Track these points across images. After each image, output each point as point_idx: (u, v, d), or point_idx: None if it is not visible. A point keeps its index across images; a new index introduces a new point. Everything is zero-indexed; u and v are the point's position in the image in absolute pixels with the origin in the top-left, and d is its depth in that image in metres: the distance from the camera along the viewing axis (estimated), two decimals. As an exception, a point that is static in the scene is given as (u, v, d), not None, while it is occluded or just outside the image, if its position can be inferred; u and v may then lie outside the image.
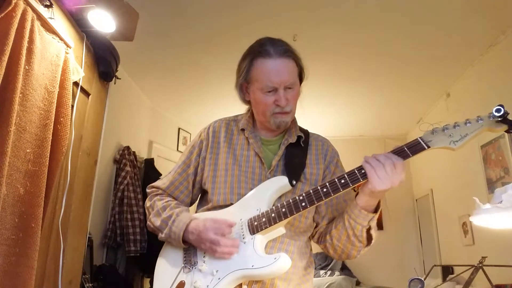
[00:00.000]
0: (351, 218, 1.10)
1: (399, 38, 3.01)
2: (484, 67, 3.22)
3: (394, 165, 1.00)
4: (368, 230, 1.11)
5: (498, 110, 0.95)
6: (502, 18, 2.74)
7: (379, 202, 1.10)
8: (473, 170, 3.34)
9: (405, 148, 1.03)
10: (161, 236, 1.21)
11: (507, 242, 2.65)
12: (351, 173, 1.05)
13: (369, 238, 1.14)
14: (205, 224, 1.12)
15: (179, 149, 4.68)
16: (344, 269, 4.51)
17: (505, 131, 0.98)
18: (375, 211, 1.09)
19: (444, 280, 3.56)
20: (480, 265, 1.87)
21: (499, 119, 0.96)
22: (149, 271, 3.47)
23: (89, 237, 2.44)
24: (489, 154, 3.11)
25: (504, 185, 1.57)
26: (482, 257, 1.92)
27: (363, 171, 1.02)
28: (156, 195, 1.32)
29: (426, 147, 1.01)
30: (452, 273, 3.65)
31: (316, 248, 1.31)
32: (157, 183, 1.34)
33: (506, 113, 0.95)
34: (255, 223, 1.11)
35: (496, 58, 3.05)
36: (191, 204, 1.34)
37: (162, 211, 1.23)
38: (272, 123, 1.22)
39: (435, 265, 2.48)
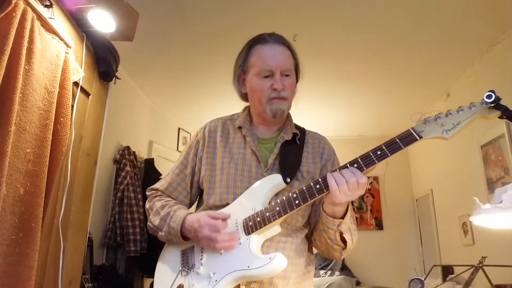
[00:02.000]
0: (323, 223, 1.12)
1: (399, 38, 3.01)
2: (484, 67, 3.22)
3: (358, 183, 1.01)
4: (341, 234, 1.12)
5: (489, 96, 0.95)
6: (502, 18, 2.74)
7: (347, 208, 1.10)
8: (473, 170, 3.34)
9: (397, 140, 1.02)
10: (161, 234, 1.21)
11: (507, 242, 2.65)
12: (343, 168, 1.05)
13: (344, 241, 1.14)
14: (200, 220, 1.12)
15: (179, 149, 4.68)
16: (344, 269, 4.50)
17: (499, 117, 0.96)
18: (343, 217, 1.10)
19: (444, 280, 3.56)
20: (480, 265, 1.87)
21: (492, 105, 0.95)
22: (149, 271, 3.47)
23: (89, 237, 2.44)
24: (489, 154, 3.11)
25: (504, 185, 1.57)
26: (482, 257, 1.91)
27: (355, 166, 1.03)
28: (155, 196, 1.32)
29: (418, 138, 1.00)
30: (452, 273, 3.65)
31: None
32: (156, 185, 1.35)
33: (498, 98, 0.94)
34: (250, 223, 1.11)
35: (496, 58, 3.05)
36: (190, 205, 1.34)
37: (161, 210, 1.23)
38: (269, 111, 1.22)
39: (435, 265, 2.48)
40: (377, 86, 3.85)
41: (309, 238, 1.27)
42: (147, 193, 1.36)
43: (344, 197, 1.01)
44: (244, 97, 1.33)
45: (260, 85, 1.21)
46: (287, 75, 1.21)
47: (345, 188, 1.00)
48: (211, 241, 1.09)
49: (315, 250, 1.31)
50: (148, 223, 1.27)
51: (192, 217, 1.15)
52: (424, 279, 1.80)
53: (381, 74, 3.60)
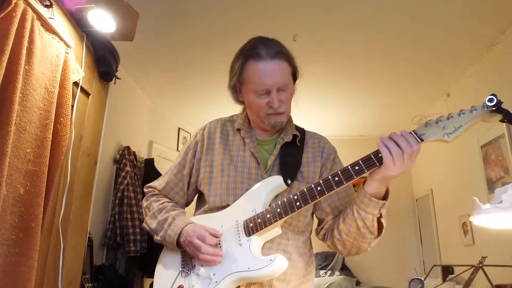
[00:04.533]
0: (361, 208, 1.07)
1: (399, 38, 3.01)
2: (484, 67, 3.22)
3: (413, 152, 0.99)
4: (379, 218, 1.09)
5: (490, 100, 0.95)
6: (502, 18, 2.74)
7: (387, 189, 1.07)
8: (473, 170, 3.34)
9: None
10: (157, 238, 1.22)
11: (507, 242, 2.65)
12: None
13: (380, 228, 1.12)
14: (194, 229, 1.13)
15: (179, 149, 4.68)
16: (344, 269, 4.50)
17: (500, 121, 0.97)
18: (384, 198, 1.07)
19: (444, 280, 3.56)
20: (480, 265, 1.87)
21: (493, 108, 0.95)
22: (149, 271, 3.47)
23: (89, 237, 2.44)
24: (489, 154, 3.11)
25: (504, 185, 1.58)
26: (482, 257, 1.92)
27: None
28: (153, 195, 1.32)
29: (420, 141, 1.01)
30: (452, 273, 3.65)
31: (316, 248, 1.31)
32: (154, 184, 1.35)
33: (499, 102, 0.94)
34: (251, 225, 1.10)
35: (496, 58, 3.05)
36: (186, 205, 1.34)
37: (158, 213, 1.23)
38: (267, 124, 1.22)
39: (435, 265, 2.49)
40: (377, 86, 3.84)
41: (324, 236, 1.23)
42: (145, 190, 1.36)
43: (398, 169, 0.99)
44: (241, 102, 1.31)
45: (257, 102, 1.19)
46: (283, 90, 1.19)
47: (400, 160, 0.98)
48: (196, 249, 1.09)
49: (314, 251, 1.30)
50: (144, 224, 1.28)
51: (191, 227, 1.15)
52: (424, 279, 1.80)
53: (381, 74, 3.60)
